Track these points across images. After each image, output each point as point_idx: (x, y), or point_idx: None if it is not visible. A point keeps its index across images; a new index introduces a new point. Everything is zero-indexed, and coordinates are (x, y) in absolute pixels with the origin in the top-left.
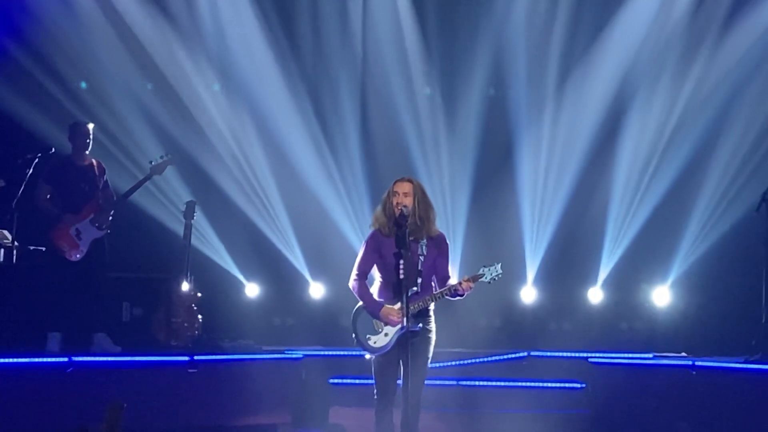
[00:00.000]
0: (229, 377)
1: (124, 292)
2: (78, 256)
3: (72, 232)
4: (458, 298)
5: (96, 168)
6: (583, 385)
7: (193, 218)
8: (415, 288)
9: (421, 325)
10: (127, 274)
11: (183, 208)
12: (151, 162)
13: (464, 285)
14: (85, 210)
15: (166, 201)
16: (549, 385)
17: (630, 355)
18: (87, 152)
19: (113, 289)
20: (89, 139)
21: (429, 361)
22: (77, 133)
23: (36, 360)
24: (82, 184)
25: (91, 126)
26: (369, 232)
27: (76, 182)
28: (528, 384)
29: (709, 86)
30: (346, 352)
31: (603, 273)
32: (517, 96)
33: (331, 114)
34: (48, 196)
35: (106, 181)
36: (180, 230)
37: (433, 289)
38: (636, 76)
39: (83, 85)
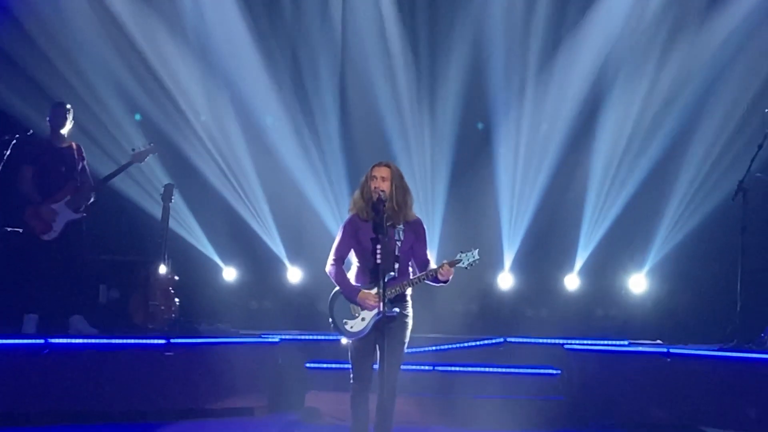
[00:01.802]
0: (206, 361)
1: (102, 275)
2: (51, 236)
3: (45, 212)
4: (441, 284)
5: (75, 151)
6: (559, 372)
7: (171, 201)
8: (392, 273)
9: (397, 310)
10: (104, 257)
11: (161, 191)
12: (133, 149)
13: (443, 270)
14: (61, 191)
15: (145, 184)
16: (525, 371)
17: (605, 342)
18: (66, 134)
19: (90, 271)
20: (68, 120)
21: (405, 346)
22: (56, 114)
23: (12, 342)
24: (60, 165)
25: (69, 108)
26: (347, 216)
27: (54, 164)
28: (504, 370)
29: (686, 75)
30: (322, 337)
31: (580, 260)
32: (496, 82)
33: (311, 98)
34: (31, 179)
35: (85, 164)
36: (158, 213)
37: (410, 274)
38: (614, 64)
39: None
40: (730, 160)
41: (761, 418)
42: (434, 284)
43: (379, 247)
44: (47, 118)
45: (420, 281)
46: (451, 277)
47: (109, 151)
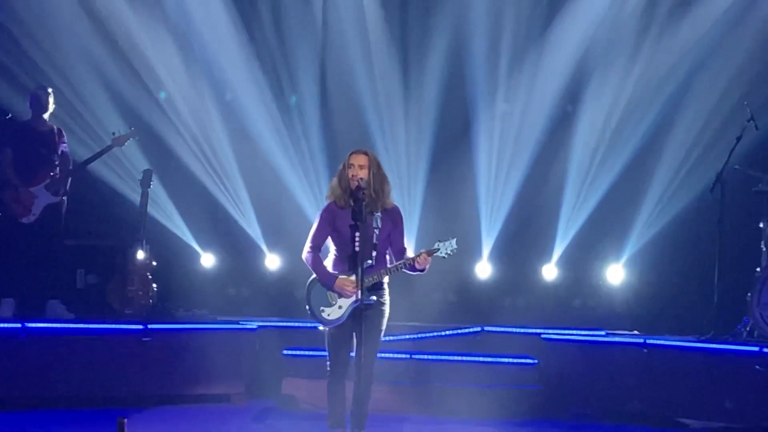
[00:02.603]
0: (183, 347)
1: (79, 259)
2: (30, 219)
3: (25, 196)
4: (418, 272)
5: (55, 134)
6: (536, 361)
7: (149, 187)
8: (369, 261)
9: (375, 297)
10: (82, 242)
11: (140, 176)
12: (113, 133)
13: (421, 258)
14: (41, 174)
15: (123, 169)
16: (502, 360)
17: (582, 332)
18: (46, 118)
19: (68, 256)
20: (48, 104)
21: (382, 334)
22: (36, 98)
23: None
24: (40, 148)
25: (50, 91)
26: (325, 204)
27: (34, 147)
28: (481, 359)
29: (665, 67)
30: (300, 324)
31: (558, 250)
32: (475, 72)
33: (290, 85)
34: (11, 162)
35: (65, 147)
36: (136, 198)
37: (388, 262)
38: (592, 56)
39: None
40: (709, 152)
41: (737, 409)
42: (411, 273)
43: (357, 234)
44: (28, 102)
45: (397, 269)
46: (428, 266)
47: (89, 135)
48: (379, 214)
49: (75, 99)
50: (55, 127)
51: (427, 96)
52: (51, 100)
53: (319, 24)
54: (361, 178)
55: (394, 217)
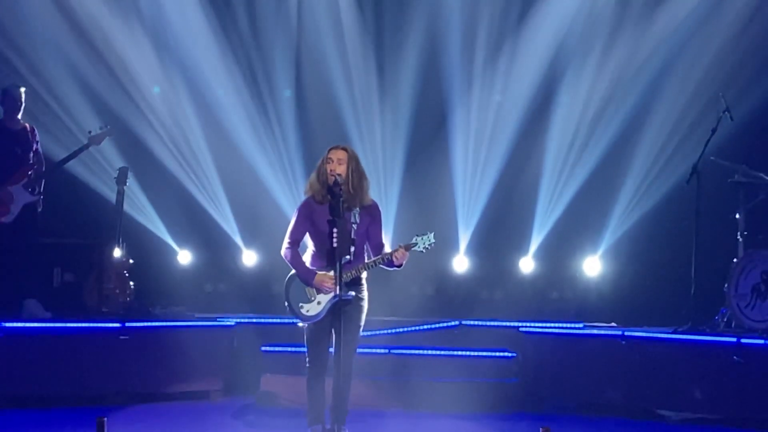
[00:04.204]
0: (161, 344)
1: (55, 258)
2: (9, 219)
3: (3, 195)
4: (395, 268)
5: (29, 132)
6: (514, 355)
7: (125, 184)
8: (348, 256)
9: (353, 293)
10: (58, 240)
11: (115, 174)
12: (90, 132)
13: (399, 253)
14: (17, 174)
15: (98, 167)
16: (480, 354)
17: (560, 325)
18: (19, 116)
19: (44, 254)
20: (21, 102)
21: (361, 329)
22: (9, 96)
23: None
24: (15, 147)
25: (23, 90)
26: (302, 199)
27: (9, 146)
28: (459, 353)
29: (640, 59)
30: (277, 320)
31: (534, 243)
32: (450, 66)
33: (265, 81)
34: None
35: (38, 146)
36: (112, 196)
37: (366, 257)
38: (568, 48)
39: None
40: (684, 143)
41: (714, 400)
42: (388, 269)
43: (335, 230)
44: (0, 100)
45: (375, 265)
46: (405, 262)
47: (64, 134)
48: (357, 209)
49: (49, 97)
50: (28, 126)
51: (402, 91)
52: (23, 98)
53: (294, 19)
54: (339, 174)
55: (372, 213)
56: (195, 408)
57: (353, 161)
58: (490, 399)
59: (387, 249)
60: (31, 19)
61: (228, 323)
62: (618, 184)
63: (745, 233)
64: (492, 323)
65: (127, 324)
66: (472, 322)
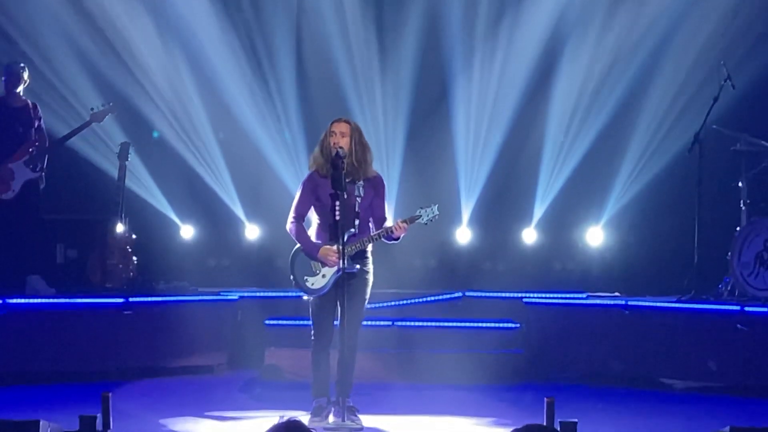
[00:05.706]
0: (165, 319)
1: (59, 234)
2: (9, 195)
3: (4, 172)
4: (393, 242)
5: (31, 109)
6: (518, 325)
7: (127, 159)
8: (352, 229)
9: (358, 266)
10: (61, 216)
11: (117, 149)
12: (92, 109)
13: (400, 226)
14: (19, 151)
15: (100, 142)
16: (484, 325)
17: (564, 295)
18: (21, 94)
19: (47, 230)
20: (22, 79)
21: (366, 302)
22: (11, 74)
23: None
24: (16, 125)
25: (24, 66)
26: (306, 173)
27: (9, 123)
28: (463, 324)
29: (641, 28)
30: (281, 294)
31: (537, 214)
32: (451, 38)
33: (267, 55)
34: None
35: (41, 123)
36: (114, 171)
37: (370, 230)
38: (569, 18)
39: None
40: (686, 112)
41: (718, 368)
42: (387, 242)
43: (338, 203)
44: (2, 78)
45: (380, 237)
46: (402, 235)
47: (66, 110)
48: (361, 182)
49: (50, 73)
50: (30, 102)
51: (403, 63)
52: (25, 75)
53: None
54: (341, 147)
55: (376, 186)
56: (199, 382)
57: (356, 134)
58: (494, 370)
59: (389, 222)
60: None
61: (232, 297)
62: (620, 153)
63: (748, 201)
64: (495, 294)
65: (130, 299)
66: (475, 294)
